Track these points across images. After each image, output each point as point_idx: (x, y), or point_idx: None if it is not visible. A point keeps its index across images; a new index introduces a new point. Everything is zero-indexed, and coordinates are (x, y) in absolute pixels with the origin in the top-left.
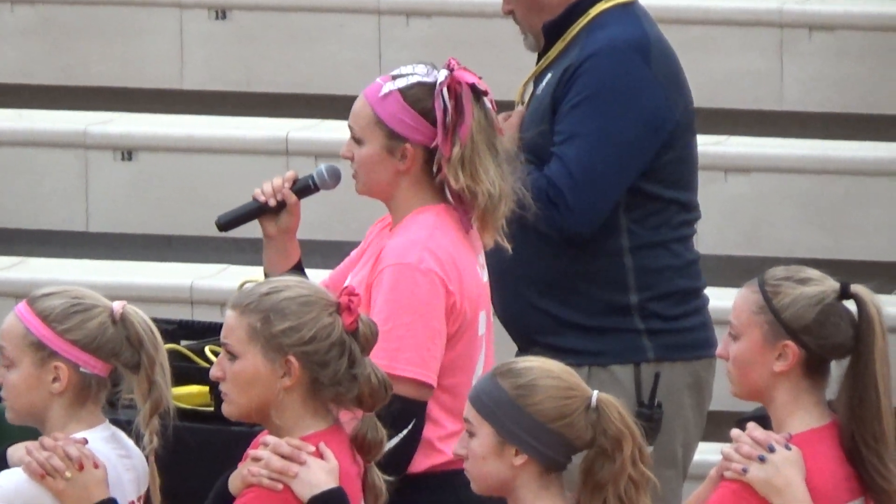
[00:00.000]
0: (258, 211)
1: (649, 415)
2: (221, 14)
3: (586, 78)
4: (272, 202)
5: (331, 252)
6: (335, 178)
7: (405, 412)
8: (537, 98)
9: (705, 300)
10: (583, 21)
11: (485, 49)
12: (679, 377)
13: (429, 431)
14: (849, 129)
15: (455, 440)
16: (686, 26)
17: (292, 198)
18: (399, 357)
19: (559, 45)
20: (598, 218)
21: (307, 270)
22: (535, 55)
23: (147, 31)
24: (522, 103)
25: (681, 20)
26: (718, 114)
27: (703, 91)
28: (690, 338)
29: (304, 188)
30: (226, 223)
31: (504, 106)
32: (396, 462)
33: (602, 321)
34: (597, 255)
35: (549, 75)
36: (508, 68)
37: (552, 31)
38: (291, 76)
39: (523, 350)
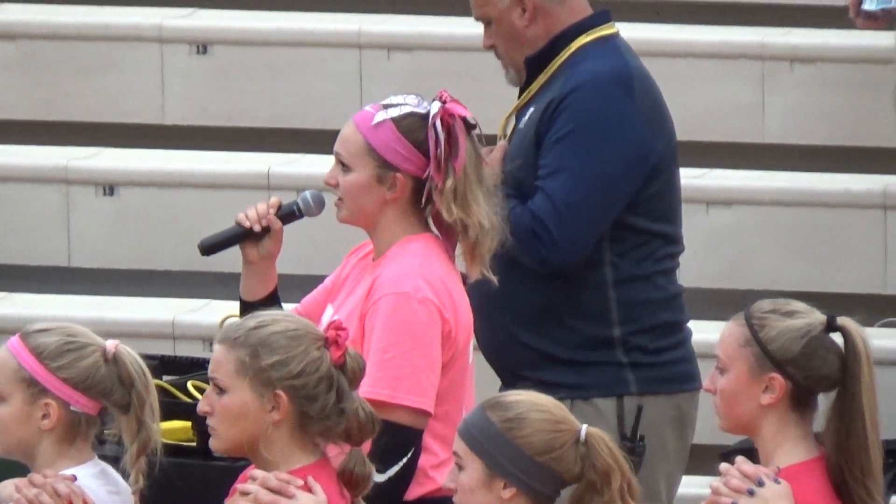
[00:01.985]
0: (242, 236)
1: (632, 448)
2: (202, 49)
3: (570, 112)
4: (257, 227)
5: (309, 286)
6: (320, 205)
7: (403, 441)
8: (520, 132)
9: (688, 333)
10: (564, 55)
11: (466, 83)
12: (662, 410)
13: (421, 459)
14: (831, 162)
15: (446, 468)
16: (668, 59)
17: (277, 224)
18: (400, 386)
19: (541, 79)
20: (582, 251)
21: (286, 305)
22: (517, 89)
23: (128, 66)
24: (504, 137)
25: (662, 53)
26: (700, 146)
27: (685, 124)
28: (674, 371)
29: (288, 214)
30: (209, 247)
31: (486, 140)
32: (394, 490)
33: (585, 354)
34: (580, 287)
35: (531, 109)
36: (489, 102)
37: (534, 65)
38: (273, 110)
39: (506, 383)
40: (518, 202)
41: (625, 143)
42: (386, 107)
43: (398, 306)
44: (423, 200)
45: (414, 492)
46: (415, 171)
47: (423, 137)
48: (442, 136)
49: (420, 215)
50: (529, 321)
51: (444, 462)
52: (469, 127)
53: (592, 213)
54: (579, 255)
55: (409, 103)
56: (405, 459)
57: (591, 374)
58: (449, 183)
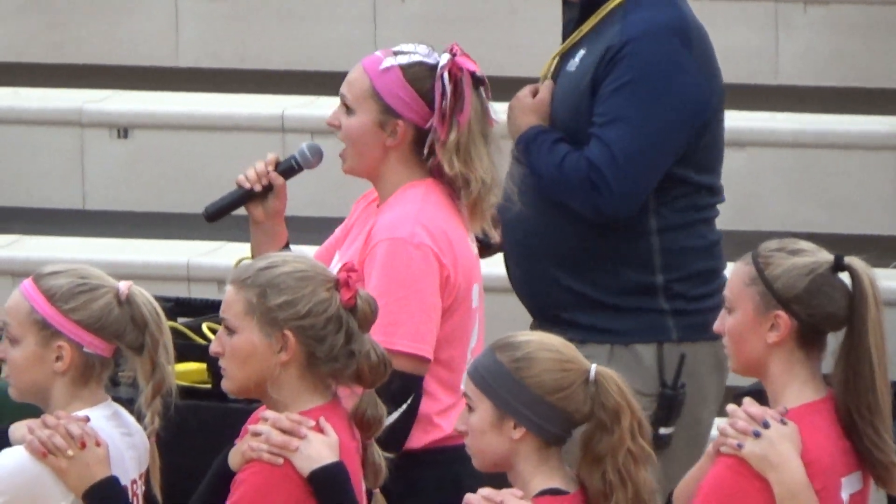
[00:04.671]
0: (245, 197)
1: (673, 395)
2: None
3: (628, 61)
4: (258, 187)
5: (325, 228)
6: (318, 155)
7: (403, 387)
8: (570, 75)
9: (725, 280)
10: None
11: (479, 26)
12: (702, 357)
13: (426, 406)
14: (844, 103)
15: (452, 414)
16: None
17: (279, 180)
18: (396, 332)
19: (592, 21)
20: (637, 201)
21: (304, 247)
22: (535, 33)
23: (141, 9)
24: (548, 77)
25: None
26: None
27: None
28: (713, 317)
29: (288, 169)
30: (213, 213)
31: (498, 83)
32: (395, 438)
33: (627, 300)
34: (625, 234)
35: (581, 52)
36: (502, 45)
37: (585, 5)
38: (286, 53)
39: (540, 325)
40: (570, 148)
41: (682, 96)
42: (396, 53)
43: (394, 252)
44: (426, 152)
45: (420, 440)
46: (417, 120)
47: (429, 87)
48: (448, 89)
49: (422, 163)
50: (572, 265)
51: (449, 407)
52: (477, 82)
53: (649, 164)
54: (635, 206)
55: (419, 52)
56: (405, 406)
57: (632, 320)
58: (452, 136)
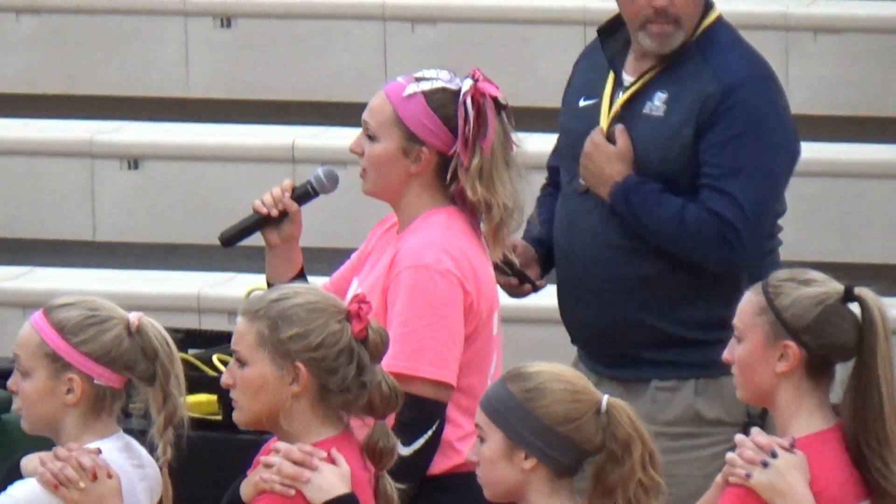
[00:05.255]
0: (261, 222)
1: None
2: (226, 22)
3: (737, 111)
4: (274, 212)
5: (335, 259)
6: (333, 181)
7: (427, 414)
8: (655, 120)
9: None
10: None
11: (489, 55)
12: None
13: (447, 432)
14: (855, 132)
15: (472, 440)
16: None
17: (293, 206)
18: (421, 359)
19: (650, 61)
20: (763, 249)
21: (313, 278)
22: (541, 63)
23: (152, 40)
24: (607, 116)
25: None
26: None
27: None
28: None
29: (303, 195)
30: (229, 238)
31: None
32: (418, 464)
33: (715, 333)
34: (716, 271)
35: (660, 94)
36: (513, 74)
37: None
38: (297, 83)
39: (612, 366)
40: (680, 198)
41: (787, 141)
42: (418, 80)
43: (419, 278)
44: (448, 178)
45: (441, 465)
46: (440, 147)
47: (453, 113)
48: (472, 114)
49: (445, 190)
50: (659, 305)
51: (469, 434)
52: (499, 107)
53: (769, 211)
54: (760, 255)
55: (441, 78)
56: (429, 432)
57: (720, 352)
58: (475, 161)
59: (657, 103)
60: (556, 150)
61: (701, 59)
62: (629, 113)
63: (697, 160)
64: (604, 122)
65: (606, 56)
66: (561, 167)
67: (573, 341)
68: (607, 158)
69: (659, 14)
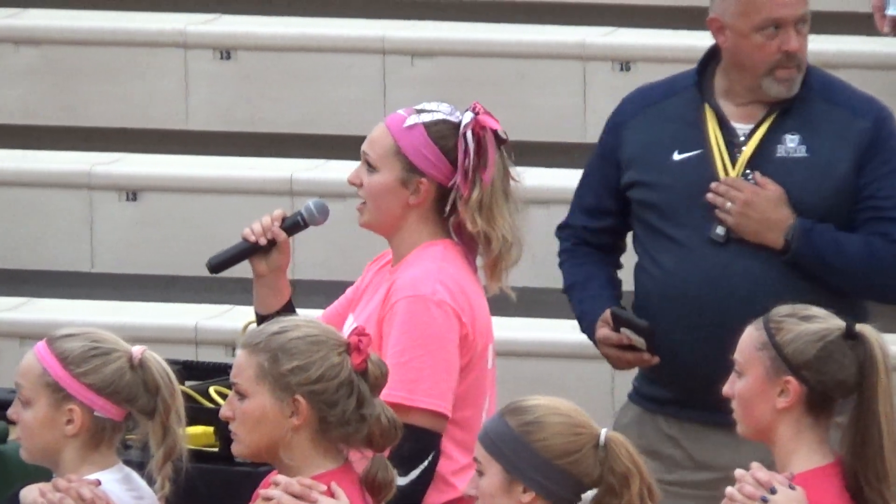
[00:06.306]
0: (249, 251)
1: None
2: (226, 54)
3: (890, 143)
4: (263, 241)
5: (331, 291)
6: (324, 213)
7: (423, 444)
8: (802, 161)
9: None
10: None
11: (488, 89)
12: None
13: (441, 466)
14: None
15: (466, 474)
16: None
17: (282, 236)
18: (416, 389)
19: (761, 106)
20: None
21: (309, 310)
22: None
23: (151, 72)
24: (721, 161)
25: (667, 59)
26: None
27: None
28: None
29: (293, 225)
30: (217, 265)
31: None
32: (414, 495)
33: None
34: (843, 296)
35: (792, 136)
36: (511, 108)
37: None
38: (296, 116)
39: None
40: (855, 234)
41: None
42: (419, 112)
43: (415, 309)
44: (447, 210)
45: (435, 499)
46: (440, 179)
47: (453, 145)
48: (472, 147)
49: (442, 223)
50: None
51: (464, 468)
52: (500, 140)
53: None
54: None
55: (441, 111)
56: (425, 463)
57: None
58: (475, 194)
59: (791, 145)
60: (581, 209)
61: (818, 98)
62: (761, 159)
63: (852, 195)
64: (731, 171)
65: (711, 106)
66: (665, 223)
67: (675, 393)
68: (772, 204)
69: (789, 59)
